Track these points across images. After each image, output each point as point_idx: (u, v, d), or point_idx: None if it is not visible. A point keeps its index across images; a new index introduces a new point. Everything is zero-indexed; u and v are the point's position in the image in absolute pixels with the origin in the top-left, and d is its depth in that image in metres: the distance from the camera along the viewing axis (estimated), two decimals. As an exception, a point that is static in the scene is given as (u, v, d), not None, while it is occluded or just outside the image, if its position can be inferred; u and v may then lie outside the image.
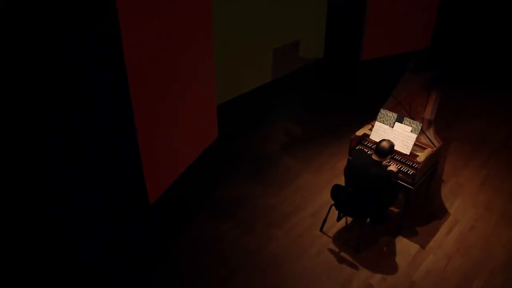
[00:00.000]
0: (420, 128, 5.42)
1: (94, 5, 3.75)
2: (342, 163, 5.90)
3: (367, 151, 5.53)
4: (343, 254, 5.31)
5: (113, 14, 3.91)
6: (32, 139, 3.72)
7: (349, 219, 5.75)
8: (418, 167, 5.27)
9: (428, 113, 5.82)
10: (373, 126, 5.74)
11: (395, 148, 5.47)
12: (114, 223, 4.80)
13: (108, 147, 4.41)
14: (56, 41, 3.59)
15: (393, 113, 5.60)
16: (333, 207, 5.33)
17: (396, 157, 5.51)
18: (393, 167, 5.25)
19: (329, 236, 5.53)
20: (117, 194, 4.72)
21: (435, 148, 5.52)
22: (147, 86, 4.63)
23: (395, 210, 5.85)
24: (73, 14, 3.63)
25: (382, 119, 5.66)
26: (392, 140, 5.45)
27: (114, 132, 4.42)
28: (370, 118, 5.92)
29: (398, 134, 5.51)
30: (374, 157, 4.98)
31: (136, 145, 4.69)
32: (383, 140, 4.99)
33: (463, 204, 6.05)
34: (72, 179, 4.15)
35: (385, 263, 5.21)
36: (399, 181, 5.37)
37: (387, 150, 4.92)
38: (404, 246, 5.41)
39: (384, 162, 5.03)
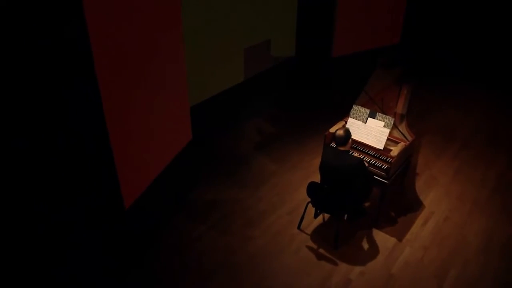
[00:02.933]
0: (392, 123, 5.48)
1: (61, 10, 3.69)
2: (317, 160, 5.93)
3: (334, 145, 5.60)
4: (321, 250, 5.33)
5: (81, 18, 3.86)
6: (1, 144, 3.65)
7: (326, 216, 5.78)
8: (392, 161, 5.33)
9: (400, 108, 5.88)
10: (346, 122, 5.79)
11: (369, 143, 5.53)
12: (89, 229, 4.73)
13: (80, 153, 4.34)
14: (21, 47, 3.52)
15: (366, 109, 5.66)
16: (310, 204, 5.36)
17: (370, 152, 5.56)
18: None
19: (307, 234, 5.55)
20: (92, 200, 4.66)
21: (408, 142, 5.58)
22: (118, 91, 4.58)
23: (371, 204, 5.91)
24: (39, 19, 3.57)
25: (355, 115, 5.70)
26: (366, 136, 5.52)
27: (86, 138, 4.35)
28: (343, 114, 5.97)
29: (371, 130, 5.56)
30: (340, 148, 5.03)
31: (110, 150, 4.64)
32: (338, 129, 5.05)
33: (437, 195, 6.15)
34: (43, 187, 4.08)
35: (363, 257, 5.25)
36: (374, 175, 5.42)
37: (344, 137, 4.97)
38: (381, 240, 5.47)
39: (351, 152, 5.11)
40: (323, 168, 5.18)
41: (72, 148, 4.24)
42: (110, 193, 4.89)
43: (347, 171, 4.95)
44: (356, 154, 5.50)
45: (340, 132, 4.99)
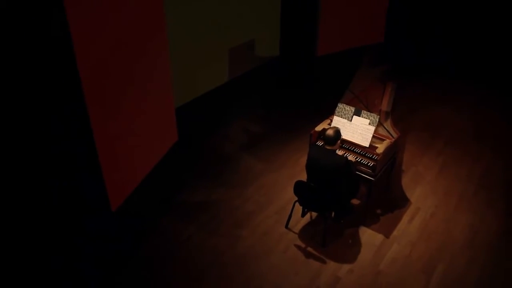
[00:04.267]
0: (377, 120, 5.51)
1: (42, 10, 3.66)
2: (303, 159, 5.93)
3: (321, 144, 5.62)
4: (309, 249, 5.34)
5: (63, 20, 3.82)
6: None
7: (314, 214, 5.79)
8: (378, 158, 5.35)
9: (385, 105, 5.92)
10: (331, 120, 5.80)
11: (355, 141, 5.55)
12: (76, 232, 4.69)
13: (65, 157, 4.30)
14: (3, 48, 3.48)
15: (351, 107, 5.68)
16: (297, 203, 5.37)
17: (356, 149, 5.59)
18: (350, 158, 5.35)
19: (294, 232, 5.55)
20: (79, 203, 4.62)
21: (393, 139, 5.62)
22: (103, 93, 4.54)
23: (358, 202, 5.93)
24: (19, 19, 3.53)
25: (340, 113, 5.72)
26: (351, 134, 5.54)
27: (71, 141, 4.31)
28: (329, 113, 5.99)
29: (356, 127, 5.58)
30: (327, 147, 5.05)
31: (95, 153, 4.60)
32: (328, 128, 5.06)
33: (424, 191, 6.19)
34: (27, 190, 4.03)
35: (351, 255, 5.26)
36: (360, 173, 5.44)
37: (334, 136, 4.99)
38: (369, 237, 5.49)
39: (338, 151, 5.12)
40: (310, 167, 5.19)
41: (56, 152, 4.19)
42: (97, 196, 4.84)
43: (333, 170, 4.97)
44: (341, 152, 5.52)
45: (330, 132, 4.99)
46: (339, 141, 5.08)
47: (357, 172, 5.44)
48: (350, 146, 5.62)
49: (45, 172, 4.16)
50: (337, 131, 5.03)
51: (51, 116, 4.04)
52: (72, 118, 4.26)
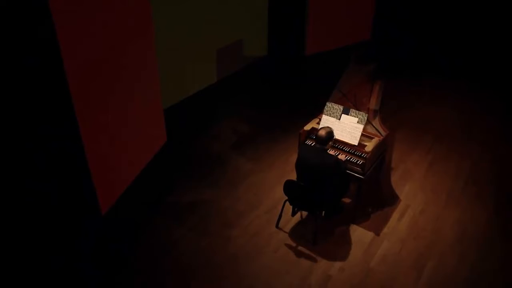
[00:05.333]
0: (366, 119, 5.52)
1: (29, 13, 3.63)
2: (293, 159, 5.95)
3: (311, 143, 5.63)
4: (300, 248, 5.34)
5: (49, 22, 3.79)
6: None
7: (304, 213, 5.79)
8: (367, 156, 5.37)
9: (373, 104, 5.93)
10: (320, 119, 5.81)
11: (344, 139, 5.57)
12: (66, 236, 4.66)
13: (53, 160, 4.27)
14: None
15: (339, 106, 5.69)
16: (287, 203, 5.37)
17: (345, 148, 5.60)
18: (341, 157, 5.37)
19: (285, 232, 5.55)
20: (67, 207, 4.59)
21: (382, 137, 5.64)
22: (90, 96, 4.51)
23: (348, 200, 5.94)
24: (5, 21, 3.50)
25: (328, 112, 5.73)
26: (340, 132, 5.55)
27: (59, 145, 4.28)
28: (317, 112, 6.00)
29: (345, 126, 5.59)
30: (318, 146, 5.05)
31: (84, 157, 4.57)
32: (321, 128, 5.07)
33: (413, 189, 6.22)
34: (16, 195, 4.00)
35: (342, 253, 5.28)
36: (349, 171, 5.46)
37: (326, 137, 5.00)
38: (359, 235, 5.50)
39: (329, 150, 5.13)
40: (300, 166, 5.19)
41: (44, 156, 4.16)
42: (86, 199, 4.82)
43: (324, 169, 4.97)
44: (332, 152, 5.53)
45: (322, 132, 5.00)
46: (331, 142, 5.09)
47: (346, 171, 5.45)
48: (339, 144, 5.63)
49: (33, 176, 4.13)
50: (330, 132, 5.04)
51: (38, 119, 4.01)
52: (59, 121, 4.23)
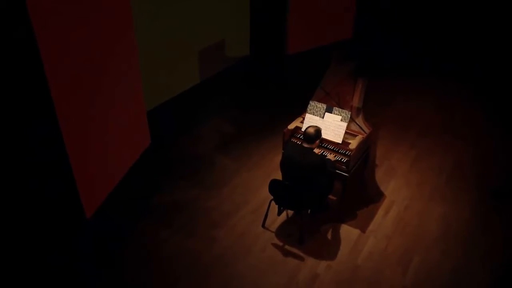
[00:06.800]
0: (349, 116, 5.55)
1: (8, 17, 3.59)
2: (278, 158, 5.95)
3: (297, 142, 5.64)
4: (287, 247, 5.35)
5: (28, 27, 3.75)
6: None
7: (290, 212, 5.80)
8: (351, 154, 5.40)
9: (356, 101, 5.96)
10: (304, 118, 5.83)
11: (328, 138, 5.58)
12: (50, 242, 4.62)
13: (37, 165, 4.23)
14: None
15: (323, 104, 5.71)
16: (273, 202, 5.37)
17: (329, 146, 5.62)
18: (330, 157, 5.39)
19: (271, 231, 5.56)
20: (52, 212, 4.55)
21: (365, 134, 5.67)
22: (72, 99, 4.47)
23: (334, 198, 5.97)
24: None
25: (312, 111, 5.75)
26: (324, 130, 5.57)
27: (42, 149, 4.24)
28: (301, 111, 6.01)
29: (329, 124, 5.61)
30: (304, 145, 5.06)
31: (67, 161, 4.53)
32: (309, 126, 5.09)
33: (398, 185, 6.26)
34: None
35: (329, 251, 5.30)
36: (335, 169, 5.48)
37: (314, 135, 5.02)
38: (346, 232, 5.53)
39: (315, 149, 5.14)
40: (285, 164, 5.20)
41: (27, 160, 4.12)
42: (71, 203, 4.78)
43: (310, 168, 4.98)
44: (317, 150, 5.54)
45: (311, 130, 5.01)
46: (318, 140, 5.10)
47: (335, 170, 5.47)
48: (323, 143, 5.64)
49: (16, 180, 4.09)
50: (318, 130, 5.05)
51: (20, 123, 3.97)
52: (42, 126, 4.18)
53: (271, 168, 6.53)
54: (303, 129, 5.73)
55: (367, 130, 5.72)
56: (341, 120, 5.56)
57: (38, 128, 4.14)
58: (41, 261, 4.59)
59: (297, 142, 5.68)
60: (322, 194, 5.50)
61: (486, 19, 9.22)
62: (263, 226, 5.60)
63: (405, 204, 5.93)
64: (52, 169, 4.42)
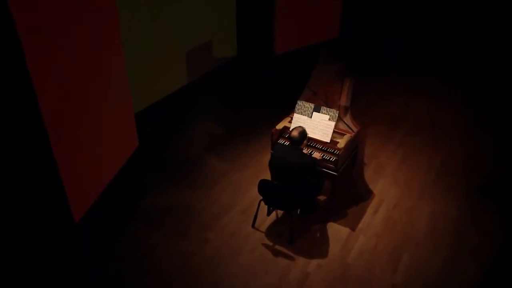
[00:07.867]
0: (337, 115, 5.57)
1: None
2: (267, 158, 5.96)
3: (284, 142, 5.65)
4: (277, 247, 5.35)
5: (12, 31, 3.71)
6: None
7: (280, 212, 5.81)
8: (340, 153, 5.41)
9: (344, 100, 5.97)
10: (292, 118, 5.84)
11: (316, 137, 5.60)
12: (38, 248, 4.58)
13: (23, 169, 4.19)
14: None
15: (310, 104, 5.72)
16: (262, 202, 5.37)
17: (317, 145, 5.63)
18: (316, 155, 5.40)
19: (261, 232, 5.56)
20: (39, 217, 4.51)
21: (353, 133, 5.69)
22: (58, 102, 4.44)
23: (323, 197, 5.98)
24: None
25: (300, 111, 5.76)
26: (312, 130, 5.58)
27: (28, 153, 4.20)
28: (289, 110, 6.02)
29: (317, 123, 5.63)
30: (292, 146, 5.07)
31: (55, 165, 4.49)
32: (293, 129, 5.09)
33: (386, 183, 6.30)
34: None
35: (319, 250, 5.31)
36: (323, 169, 5.49)
37: (299, 137, 5.03)
38: (335, 231, 5.55)
39: (304, 150, 5.15)
40: (275, 165, 5.20)
41: (13, 165, 4.08)
42: (57, 208, 4.74)
43: (300, 169, 4.99)
44: (305, 150, 5.56)
45: (295, 132, 5.02)
46: (305, 141, 5.11)
47: (321, 168, 5.48)
48: (312, 142, 5.66)
49: (2, 185, 4.05)
50: (303, 132, 5.06)
51: (4, 127, 3.93)
52: (27, 129, 4.15)
53: (260, 168, 6.53)
54: (291, 129, 5.74)
55: (355, 129, 5.74)
56: (329, 119, 5.58)
57: (25, 132, 4.11)
58: (28, 265, 4.55)
59: (285, 142, 5.69)
60: (312, 194, 5.51)
61: (478, 18, 9.30)
62: (253, 226, 5.60)
63: (394, 202, 5.96)
64: (39, 173, 4.39)
